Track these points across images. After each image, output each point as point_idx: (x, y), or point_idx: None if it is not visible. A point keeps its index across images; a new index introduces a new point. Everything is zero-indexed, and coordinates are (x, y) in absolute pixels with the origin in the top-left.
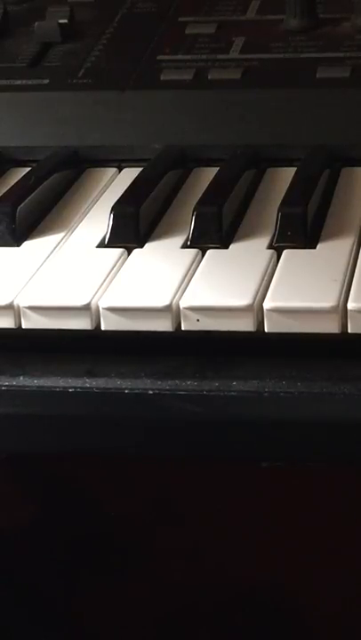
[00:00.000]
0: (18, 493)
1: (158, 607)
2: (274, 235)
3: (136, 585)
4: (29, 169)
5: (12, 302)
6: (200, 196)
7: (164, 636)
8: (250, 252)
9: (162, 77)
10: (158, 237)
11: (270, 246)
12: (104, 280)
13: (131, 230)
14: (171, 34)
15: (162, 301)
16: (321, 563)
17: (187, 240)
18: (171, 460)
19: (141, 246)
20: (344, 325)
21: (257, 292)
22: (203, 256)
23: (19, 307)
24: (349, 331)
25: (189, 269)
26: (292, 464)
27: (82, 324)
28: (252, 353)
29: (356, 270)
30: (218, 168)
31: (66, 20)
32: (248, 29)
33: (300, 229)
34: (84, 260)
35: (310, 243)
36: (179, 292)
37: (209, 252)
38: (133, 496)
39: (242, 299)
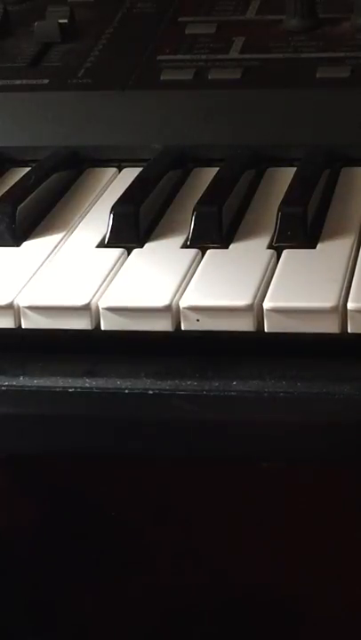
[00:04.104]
0: (18, 493)
1: (158, 608)
2: (274, 235)
3: (136, 585)
4: (29, 169)
5: (12, 302)
6: (200, 196)
7: (164, 636)
8: (250, 252)
9: (162, 77)
10: (158, 237)
11: (270, 246)
12: (104, 280)
13: (131, 230)
14: (171, 34)
15: (162, 301)
16: (321, 563)
17: (187, 240)
18: (171, 460)
19: (141, 246)
20: (344, 325)
21: (257, 292)
22: (203, 256)
23: (19, 307)
24: (349, 331)
25: (189, 269)
26: (292, 464)
27: (82, 323)
28: (252, 353)
29: (356, 270)
30: (218, 168)
31: (66, 20)
32: (248, 29)
33: (300, 229)
34: (83, 259)
35: (310, 243)
36: (179, 292)
37: (209, 252)
38: (133, 496)
39: (242, 299)
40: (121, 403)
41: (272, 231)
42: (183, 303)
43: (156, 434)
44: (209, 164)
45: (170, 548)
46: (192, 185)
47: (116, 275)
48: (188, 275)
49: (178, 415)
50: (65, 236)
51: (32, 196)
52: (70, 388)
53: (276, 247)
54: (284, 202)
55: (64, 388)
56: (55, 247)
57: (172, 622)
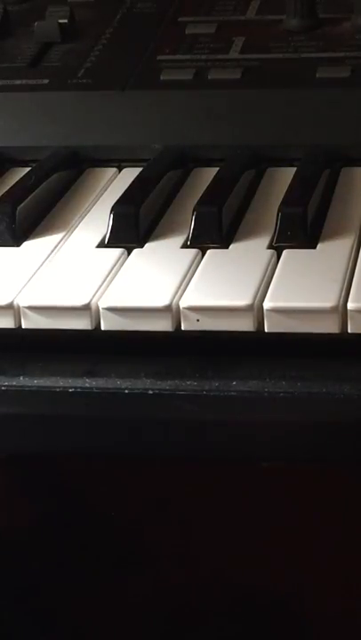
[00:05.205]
0: (18, 493)
1: (158, 608)
2: (274, 235)
3: (136, 586)
4: (29, 169)
5: (12, 302)
6: (200, 196)
7: (164, 637)
8: (250, 252)
9: (162, 77)
10: (158, 237)
11: (270, 246)
12: (104, 280)
13: (131, 230)
14: (171, 34)
15: (162, 301)
16: (321, 563)
17: (187, 240)
18: (171, 460)
19: (141, 246)
20: (344, 325)
21: (257, 292)
22: (203, 256)
23: (19, 307)
24: (349, 331)
25: (189, 269)
26: (292, 464)
27: (82, 324)
28: (252, 353)
29: (356, 270)
30: (218, 168)
31: (66, 20)
32: (248, 29)
33: (300, 229)
34: (83, 259)
35: (310, 243)
36: (179, 292)
37: (209, 252)
38: (133, 496)
39: (242, 299)
40: (121, 403)
41: (272, 231)
42: (183, 303)
43: (156, 434)
44: (209, 164)
45: (170, 548)
46: (192, 185)
47: (116, 275)
48: (188, 275)
49: (178, 415)
50: (65, 236)
51: (32, 196)
52: (70, 387)
53: (276, 247)
54: (284, 202)
55: (64, 387)
56: (55, 247)
57: (172, 623)
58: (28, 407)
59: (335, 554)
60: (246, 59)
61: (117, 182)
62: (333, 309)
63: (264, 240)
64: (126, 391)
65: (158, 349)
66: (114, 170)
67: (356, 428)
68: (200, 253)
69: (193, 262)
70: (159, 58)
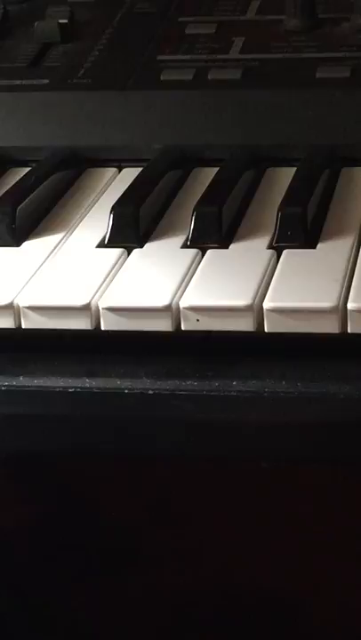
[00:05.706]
0: (18, 493)
1: (158, 608)
2: (274, 235)
3: (136, 586)
4: (29, 169)
5: (12, 302)
6: (200, 196)
7: (163, 637)
8: (250, 252)
9: (162, 77)
10: (158, 237)
11: (270, 246)
12: (104, 280)
13: (131, 230)
14: (171, 34)
15: (162, 301)
16: (321, 563)
17: (187, 240)
18: (171, 460)
19: (141, 246)
20: (344, 325)
21: (257, 292)
22: (203, 256)
23: (19, 307)
24: (349, 331)
25: (189, 269)
26: (292, 464)
27: (82, 323)
28: (252, 353)
29: (356, 270)
30: (218, 168)
31: (66, 20)
32: (248, 29)
33: (300, 229)
34: (83, 259)
35: (310, 243)
36: (179, 292)
37: (209, 252)
38: (133, 496)
39: (242, 299)
40: (121, 403)
41: (272, 231)
42: (183, 303)
43: (156, 434)
44: (209, 163)
45: (169, 548)
46: (192, 185)
47: (116, 275)
48: (188, 275)
49: (178, 415)
50: (65, 236)
51: (32, 196)
52: (70, 388)
53: (276, 247)
54: (284, 202)
55: (64, 387)
56: (55, 247)
57: (172, 623)
58: (28, 407)
59: (336, 554)
60: (246, 59)
61: (117, 182)
62: (333, 309)
63: (264, 240)
64: (126, 391)
65: (158, 349)
66: (114, 170)
67: (356, 427)
68: (200, 253)
69: (193, 262)
70: (159, 58)
